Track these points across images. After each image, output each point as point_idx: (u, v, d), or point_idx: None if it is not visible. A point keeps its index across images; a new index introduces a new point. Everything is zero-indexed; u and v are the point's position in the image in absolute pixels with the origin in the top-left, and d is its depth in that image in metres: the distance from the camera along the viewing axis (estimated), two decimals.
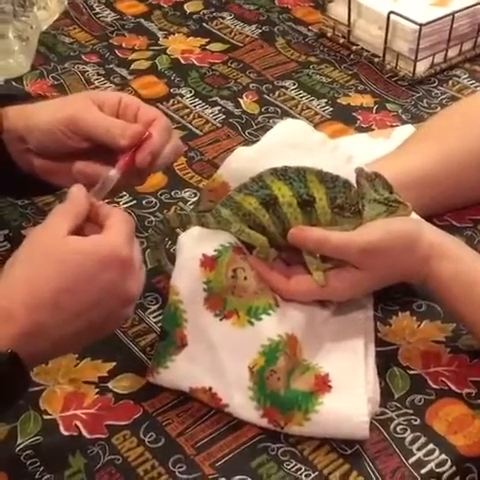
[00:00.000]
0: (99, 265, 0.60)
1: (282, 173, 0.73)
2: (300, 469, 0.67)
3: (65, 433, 0.70)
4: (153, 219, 0.89)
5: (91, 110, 0.73)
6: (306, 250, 0.72)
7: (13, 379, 0.58)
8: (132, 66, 1.14)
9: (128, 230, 0.63)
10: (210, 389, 0.70)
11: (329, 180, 0.73)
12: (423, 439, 0.69)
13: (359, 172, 0.74)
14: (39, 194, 0.89)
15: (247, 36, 1.20)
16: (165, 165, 0.77)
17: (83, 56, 1.16)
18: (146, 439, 0.69)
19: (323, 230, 0.71)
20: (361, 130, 1.01)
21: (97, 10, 1.27)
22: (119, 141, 0.72)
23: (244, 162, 0.78)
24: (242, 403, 0.69)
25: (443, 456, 0.67)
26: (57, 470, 0.67)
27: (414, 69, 1.08)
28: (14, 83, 1.10)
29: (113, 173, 0.72)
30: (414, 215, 0.76)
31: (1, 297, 0.59)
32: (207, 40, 1.19)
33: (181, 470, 0.67)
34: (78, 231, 0.63)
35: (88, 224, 0.64)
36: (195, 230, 0.73)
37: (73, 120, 0.73)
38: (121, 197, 0.92)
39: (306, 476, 0.66)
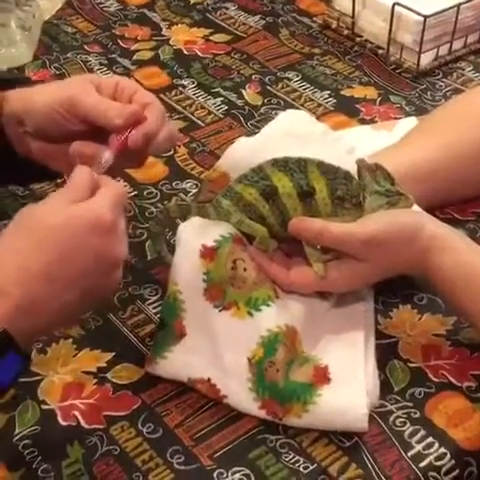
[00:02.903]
0: (85, 230, 0.60)
1: (283, 164, 0.72)
2: (299, 461, 0.67)
3: (63, 423, 0.70)
4: (154, 210, 0.89)
5: (89, 92, 0.73)
6: (306, 241, 0.71)
7: (8, 358, 0.58)
8: (135, 56, 1.14)
9: (114, 197, 0.63)
10: (209, 380, 0.70)
11: (330, 171, 0.73)
12: (422, 432, 0.68)
13: (360, 163, 0.74)
14: (38, 180, 0.89)
15: (251, 27, 1.20)
16: (160, 151, 0.78)
17: (86, 46, 1.16)
18: (144, 430, 0.69)
19: (323, 221, 0.71)
20: (364, 122, 1.01)
21: (100, 0, 1.26)
22: (114, 121, 0.72)
23: (245, 152, 0.77)
24: (241, 394, 0.69)
25: (442, 449, 0.67)
26: (55, 460, 0.67)
27: (418, 61, 1.08)
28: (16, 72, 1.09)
29: (108, 154, 0.71)
30: (415, 207, 0.76)
31: None
32: (210, 31, 1.19)
33: (179, 461, 0.67)
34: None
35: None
36: (195, 221, 0.73)
37: (71, 102, 0.73)
38: None
39: (304, 468, 0.66)
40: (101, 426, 0.69)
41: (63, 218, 0.60)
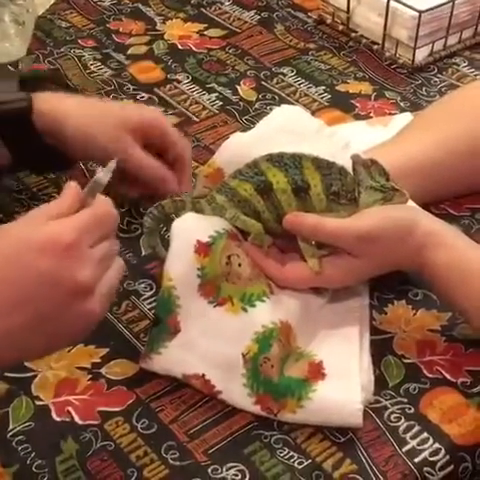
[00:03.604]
0: (35, 252, 0.55)
1: (277, 159, 0.72)
2: (293, 457, 0.67)
3: (57, 419, 0.69)
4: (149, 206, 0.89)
5: (134, 150, 0.81)
6: (301, 236, 0.71)
7: None
8: (129, 51, 1.13)
9: (87, 217, 0.57)
10: (203, 376, 0.69)
11: (325, 167, 0.72)
12: (417, 428, 0.68)
13: (356, 159, 0.74)
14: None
15: (245, 22, 1.19)
16: None
17: (80, 41, 1.15)
18: (139, 425, 0.69)
19: (318, 216, 0.71)
20: (359, 118, 1.01)
21: None
22: (168, 189, 0.82)
23: (239, 148, 0.77)
24: (235, 390, 0.68)
25: (437, 445, 0.67)
26: (49, 456, 0.67)
27: (413, 57, 1.08)
28: (10, 67, 1.09)
29: (101, 175, 0.62)
30: (411, 203, 0.76)
31: None
32: (205, 26, 1.18)
33: (173, 457, 0.67)
34: None
35: None
36: (189, 216, 0.73)
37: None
38: None
39: (299, 464, 0.66)
40: (95, 422, 0.69)
41: (15, 238, 0.56)
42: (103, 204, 0.59)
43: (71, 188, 0.59)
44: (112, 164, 0.62)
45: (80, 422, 0.69)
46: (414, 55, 1.08)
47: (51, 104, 0.80)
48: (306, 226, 0.70)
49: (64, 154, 0.83)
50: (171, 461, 0.66)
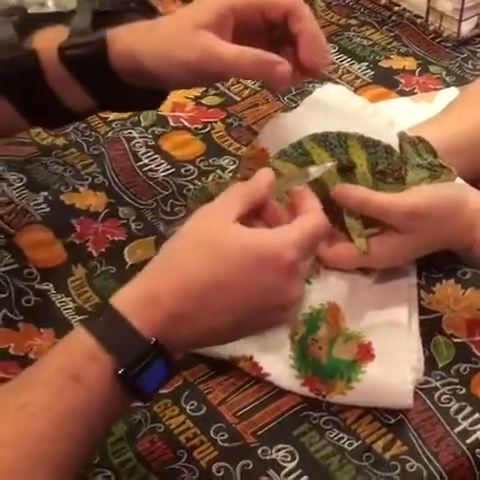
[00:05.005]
0: (258, 264, 0.56)
1: (322, 139, 0.71)
2: (343, 438, 0.66)
3: None
4: (191, 187, 0.89)
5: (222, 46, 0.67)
6: (349, 209, 0.70)
7: (157, 368, 0.56)
8: None
9: (307, 234, 0.58)
10: (251, 358, 0.69)
11: (371, 145, 0.71)
12: (469, 408, 0.67)
13: (402, 136, 0.73)
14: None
15: None
16: None
17: None
18: (187, 407, 0.69)
19: (367, 189, 0.70)
20: (403, 94, 0.99)
21: None
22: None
23: (283, 128, 0.76)
24: (283, 371, 0.68)
25: None
26: None
27: (459, 29, 1.05)
28: None
29: (313, 170, 0.65)
30: (459, 180, 0.74)
31: (149, 280, 0.57)
32: None
33: (223, 438, 0.67)
34: (250, 219, 0.59)
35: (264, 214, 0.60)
36: None
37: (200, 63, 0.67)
38: (159, 165, 0.91)
39: (349, 445, 0.66)
40: (144, 404, 0.69)
41: (239, 246, 0.56)
42: (320, 217, 0.60)
43: (262, 178, 0.61)
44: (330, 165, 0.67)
45: None
46: (459, 28, 1.05)
47: (124, 43, 0.70)
48: (355, 198, 0.69)
49: (155, 90, 0.75)
50: (220, 443, 0.67)
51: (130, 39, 0.70)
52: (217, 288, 0.56)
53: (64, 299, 0.78)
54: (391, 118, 0.77)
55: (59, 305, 0.77)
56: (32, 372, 0.56)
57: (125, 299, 0.56)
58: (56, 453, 0.54)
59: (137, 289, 0.57)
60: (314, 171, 0.66)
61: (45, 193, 0.88)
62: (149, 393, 0.57)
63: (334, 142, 0.71)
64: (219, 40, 0.67)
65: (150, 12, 0.76)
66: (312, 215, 0.59)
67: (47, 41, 0.71)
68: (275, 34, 0.71)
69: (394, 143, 0.73)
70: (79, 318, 0.75)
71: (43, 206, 0.87)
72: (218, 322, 0.57)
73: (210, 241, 0.57)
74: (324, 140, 0.71)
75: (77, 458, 0.56)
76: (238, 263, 0.56)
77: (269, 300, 0.57)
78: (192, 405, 0.69)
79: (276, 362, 0.69)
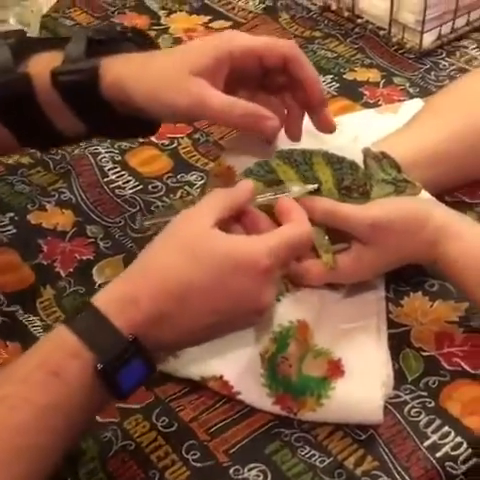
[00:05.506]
0: (235, 269, 0.57)
1: (287, 156, 0.71)
2: (314, 455, 0.66)
3: None
4: (159, 204, 0.89)
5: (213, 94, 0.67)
6: (315, 220, 0.70)
7: (135, 365, 0.57)
8: None
9: (285, 241, 0.59)
10: (221, 377, 0.69)
11: (336, 162, 0.72)
12: (438, 422, 0.68)
13: (366, 152, 0.73)
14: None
15: (250, 12, 1.18)
16: None
17: None
18: (158, 424, 0.69)
19: (332, 201, 0.70)
20: (368, 106, 1.00)
21: None
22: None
23: (248, 145, 0.76)
24: (254, 390, 0.68)
25: (458, 439, 0.67)
26: (70, 458, 0.66)
27: (421, 41, 1.06)
28: None
29: (297, 190, 0.68)
30: (424, 193, 0.75)
31: (129, 282, 0.58)
32: (210, 18, 1.17)
33: (195, 458, 0.67)
34: (229, 224, 0.61)
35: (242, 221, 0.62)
36: None
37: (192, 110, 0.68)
38: (126, 182, 0.91)
39: (321, 462, 0.66)
40: (115, 419, 0.69)
41: (218, 251, 0.58)
42: (304, 225, 0.62)
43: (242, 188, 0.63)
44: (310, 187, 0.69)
45: (100, 419, 0.68)
46: (421, 39, 1.06)
47: (116, 75, 0.70)
48: (320, 209, 0.70)
49: (145, 120, 0.74)
50: (192, 462, 0.66)
51: (123, 72, 0.70)
52: (195, 291, 0.57)
53: (32, 318, 0.78)
54: (355, 134, 0.78)
55: (26, 323, 0.77)
56: (11, 368, 0.57)
57: (106, 299, 0.57)
58: (36, 446, 0.54)
59: (118, 290, 0.58)
60: (296, 190, 0.68)
61: (11, 214, 0.87)
62: (127, 389, 0.58)
63: (299, 159, 0.71)
64: (211, 89, 0.67)
65: (147, 44, 0.77)
66: (295, 225, 0.61)
67: (41, 66, 0.71)
68: (268, 79, 0.73)
69: (359, 159, 0.73)
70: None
71: (9, 228, 0.86)
72: (196, 324, 0.58)
73: (189, 245, 0.58)
74: (289, 157, 0.71)
75: (56, 452, 0.56)
76: (216, 268, 0.58)
77: (244, 304, 0.59)
78: (163, 421, 0.69)
79: (247, 380, 0.69)
